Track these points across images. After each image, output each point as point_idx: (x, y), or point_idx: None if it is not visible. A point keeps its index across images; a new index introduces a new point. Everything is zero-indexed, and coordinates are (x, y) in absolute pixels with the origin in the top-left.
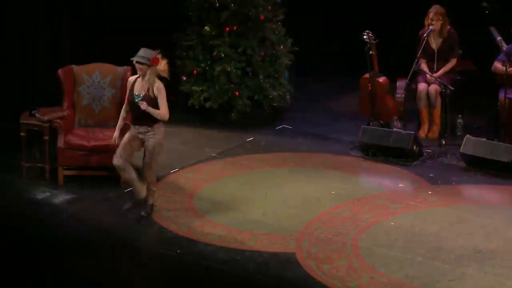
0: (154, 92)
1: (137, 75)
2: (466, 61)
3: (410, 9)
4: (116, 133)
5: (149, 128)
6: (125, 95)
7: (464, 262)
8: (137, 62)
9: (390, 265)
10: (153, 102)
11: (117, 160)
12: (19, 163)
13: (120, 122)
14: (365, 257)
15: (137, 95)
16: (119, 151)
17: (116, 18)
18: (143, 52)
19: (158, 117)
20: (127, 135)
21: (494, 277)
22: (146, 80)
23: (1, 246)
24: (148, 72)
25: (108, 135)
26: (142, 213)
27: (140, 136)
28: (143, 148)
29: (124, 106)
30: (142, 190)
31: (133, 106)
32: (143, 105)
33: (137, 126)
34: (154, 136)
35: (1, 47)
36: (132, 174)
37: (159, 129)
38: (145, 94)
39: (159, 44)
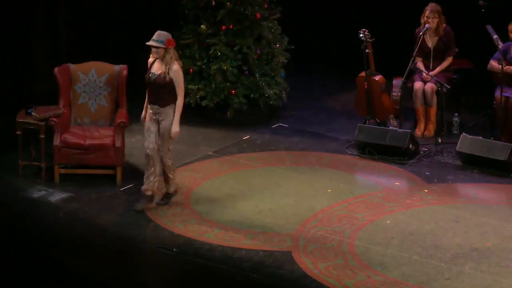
0: (170, 74)
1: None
2: (463, 60)
3: (406, 7)
4: (144, 113)
5: (161, 108)
6: (122, 93)
7: (461, 260)
8: (152, 46)
9: (387, 264)
10: (166, 84)
11: (150, 150)
12: (15, 162)
13: (146, 103)
14: (362, 256)
15: (153, 73)
16: (146, 142)
17: (113, 17)
18: (157, 35)
19: (179, 110)
20: (146, 122)
21: (490, 275)
22: (164, 62)
23: None
24: (165, 54)
25: (104, 133)
26: (156, 201)
27: (155, 116)
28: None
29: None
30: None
31: (149, 85)
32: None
33: (151, 105)
34: (166, 119)
35: None
36: (158, 167)
37: (170, 111)
38: (159, 74)
39: None
